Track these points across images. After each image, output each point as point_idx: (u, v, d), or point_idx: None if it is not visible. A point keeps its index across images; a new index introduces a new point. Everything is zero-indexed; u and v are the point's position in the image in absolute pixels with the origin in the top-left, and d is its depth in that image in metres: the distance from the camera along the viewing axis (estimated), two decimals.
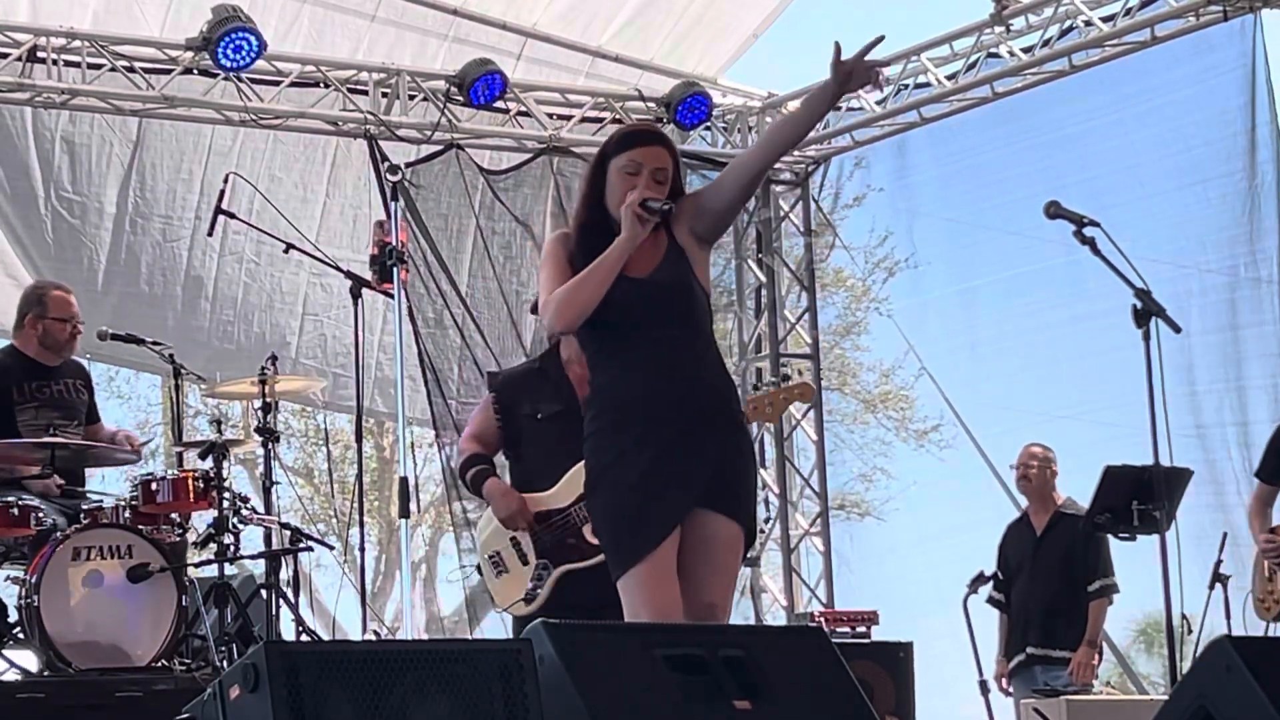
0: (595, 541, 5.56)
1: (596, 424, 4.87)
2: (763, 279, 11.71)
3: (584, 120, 11.04)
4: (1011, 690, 8.62)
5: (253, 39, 9.56)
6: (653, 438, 4.75)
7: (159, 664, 6.94)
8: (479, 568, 6.44)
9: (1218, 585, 8.01)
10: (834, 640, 4.64)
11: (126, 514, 7.22)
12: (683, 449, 4.75)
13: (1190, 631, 7.65)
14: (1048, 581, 8.57)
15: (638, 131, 5.12)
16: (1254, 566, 7.69)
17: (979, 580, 8.08)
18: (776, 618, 11.09)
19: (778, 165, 11.68)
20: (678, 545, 4.75)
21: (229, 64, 9.64)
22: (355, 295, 7.85)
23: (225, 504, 7.28)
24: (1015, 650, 8.63)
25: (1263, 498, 7.40)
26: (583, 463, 5.16)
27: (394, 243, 7.29)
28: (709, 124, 11.23)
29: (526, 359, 10.93)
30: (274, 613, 7.33)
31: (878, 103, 10.93)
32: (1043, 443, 8.80)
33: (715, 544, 4.77)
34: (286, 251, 8.33)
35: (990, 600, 8.76)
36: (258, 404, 7.70)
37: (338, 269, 8.35)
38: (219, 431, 7.41)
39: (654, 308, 4.83)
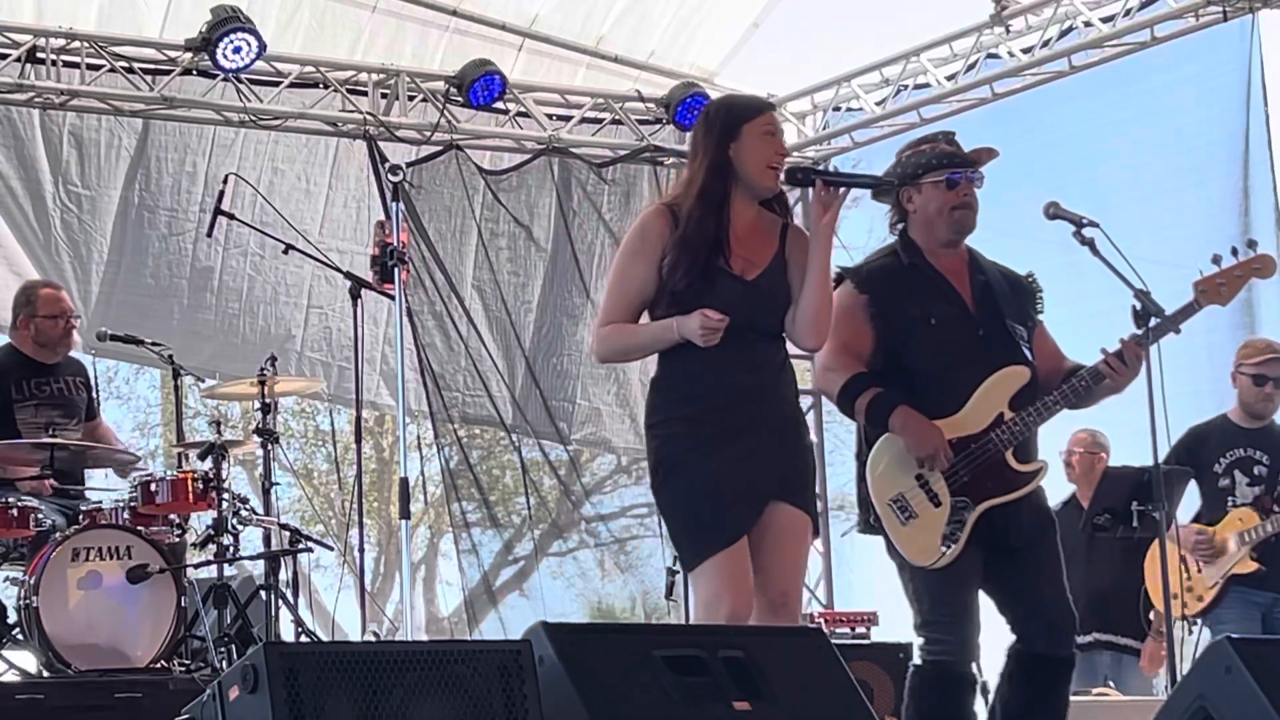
0: (1021, 469, 5.22)
1: (675, 412, 4.94)
2: None
3: (583, 121, 11.04)
4: None
5: (252, 40, 9.57)
6: (734, 435, 4.88)
7: (158, 665, 6.94)
8: (869, 519, 5.28)
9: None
10: (834, 641, 4.64)
11: (125, 515, 7.22)
12: (762, 448, 4.89)
13: (1190, 632, 7.64)
14: (1109, 567, 8.44)
15: (761, 99, 5.37)
16: (1150, 562, 7.57)
17: None
18: None
19: None
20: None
21: (229, 65, 9.64)
22: (355, 296, 7.85)
23: (224, 505, 7.28)
24: None
25: None
26: (997, 376, 5.20)
27: (395, 243, 7.28)
28: None
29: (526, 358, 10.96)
30: (273, 614, 7.32)
31: (877, 104, 10.93)
32: (1091, 428, 8.63)
33: (786, 534, 4.92)
34: (286, 252, 8.34)
35: None
36: (257, 405, 7.70)
37: (337, 269, 8.36)
38: (218, 432, 7.41)
39: (756, 311, 4.95)
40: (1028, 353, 5.32)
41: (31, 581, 6.89)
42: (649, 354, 5.02)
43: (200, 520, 7.54)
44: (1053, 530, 5.33)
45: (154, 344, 8.13)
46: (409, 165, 10.21)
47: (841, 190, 5.02)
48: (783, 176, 5.10)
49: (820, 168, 4.97)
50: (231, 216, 8.34)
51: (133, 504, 7.24)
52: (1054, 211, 5.55)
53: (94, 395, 7.95)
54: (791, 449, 5.02)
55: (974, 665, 5.30)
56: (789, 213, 5.15)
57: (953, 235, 5.38)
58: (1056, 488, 8.84)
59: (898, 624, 8.64)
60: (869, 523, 5.28)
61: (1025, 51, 10.17)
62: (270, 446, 7.66)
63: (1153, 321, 5.32)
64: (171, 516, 7.37)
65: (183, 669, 6.93)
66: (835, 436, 11.94)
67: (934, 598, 5.21)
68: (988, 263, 5.48)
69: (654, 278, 4.95)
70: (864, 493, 5.29)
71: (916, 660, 5.27)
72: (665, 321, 4.90)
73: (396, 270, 7.23)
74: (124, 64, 9.78)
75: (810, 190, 5.06)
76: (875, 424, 5.23)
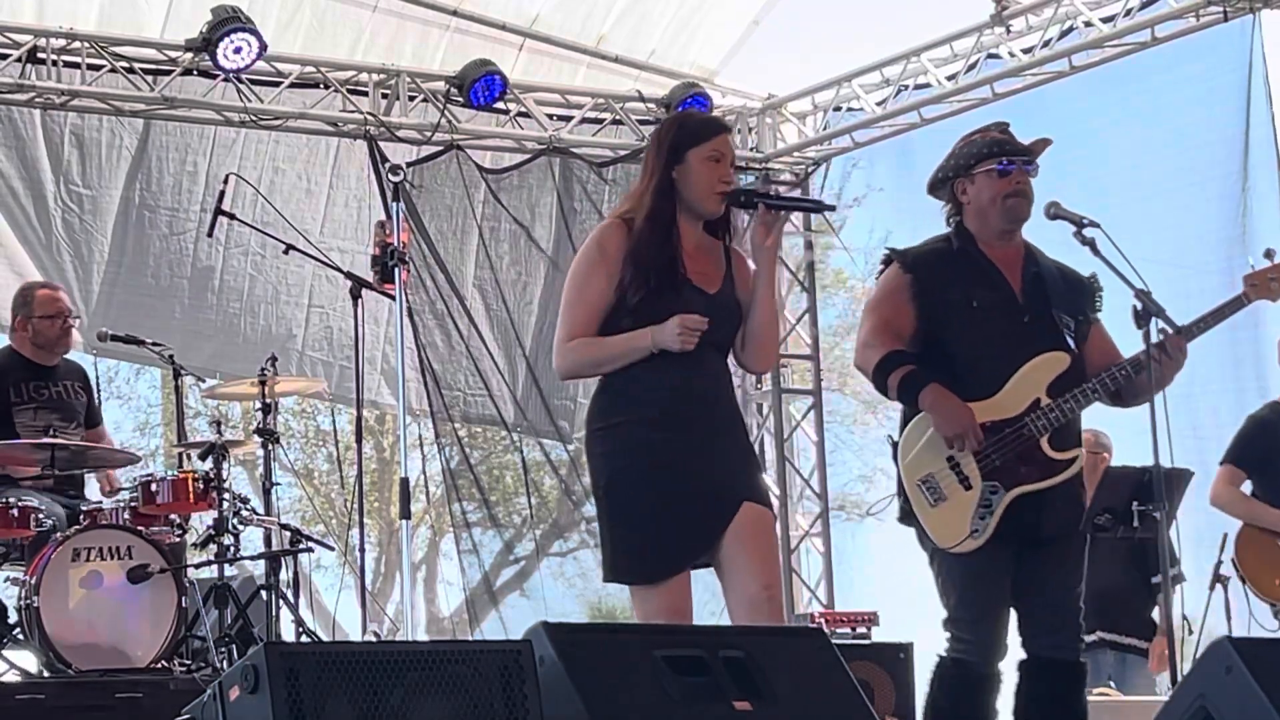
0: (1057, 456, 5.12)
1: (636, 414, 4.88)
2: None
3: (584, 121, 11.04)
4: None
5: (253, 40, 9.58)
6: (687, 446, 4.86)
7: (159, 665, 6.94)
8: (902, 499, 5.21)
9: (1218, 586, 7.97)
10: (834, 641, 4.64)
11: (126, 515, 7.22)
12: (713, 460, 4.88)
13: (1190, 632, 7.64)
14: (1111, 567, 8.39)
15: (712, 121, 5.22)
16: (1246, 550, 7.56)
17: None
18: None
19: (777, 165, 11.69)
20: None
21: (229, 65, 9.65)
22: (355, 296, 7.84)
23: (225, 505, 7.28)
24: None
25: (1236, 482, 7.46)
26: (1035, 361, 5.13)
27: (395, 243, 7.28)
28: None
29: (528, 363, 10.95)
30: (274, 614, 7.32)
31: (878, 104, 10.93)
32: (1094, 428, 8.58)
33: (756, 530, 4.89)
34: (286, 252, 8.33)
35: None
36: (258, 405, 7.70)
37: (337, 269, 8.36)
38: (219, 432, 7.41)
39: (716, 324, 4.94)
40: (1071, 342, 5.23)
41: (32, 581, 6.89)
42: (619, 366, 4.91)
43: (201, 520, 7.55)
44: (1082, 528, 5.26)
45: (154, 344, 8.13)
46: (409, 165, 10.22)
47: (783, 213, 5.09)
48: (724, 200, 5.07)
49: (763, 190, 4.94)
50: (232, 216, 8.34)
51: (133, 504, 7.25)
52: (1054, 211, 5.53)
53: (95, 401, 7.93)
54: (745, 449, 5.08)
55: (998, 665, 5.19)
56: (730, 234, 5.12)
57: (1006, 224, 5.31)
58: None
59: (898, 624, 8.65)
60: (906, 510, 5.19)
61: (1025, 51, 10.17)
62: (271, 446, 7.66)
63: (1159, 324, 5.25)
64: (172, 516, 7.37)
65: (183, 669, 6.93)
66: (835, 436, 11.97)
67: (961, 595, 5.15)
68: (1045, 258, 5.40)
69: (612, 291, 4.91)
70: (898, 475, 5.22)
71: (941, 651, 5.24)
72: (639, 332, 4.85)
73: (397, 270, 7.23)
74: (124, 64, 9.78)
75: (752, 213, 5.03)
76: (906, 401, 5.17)
